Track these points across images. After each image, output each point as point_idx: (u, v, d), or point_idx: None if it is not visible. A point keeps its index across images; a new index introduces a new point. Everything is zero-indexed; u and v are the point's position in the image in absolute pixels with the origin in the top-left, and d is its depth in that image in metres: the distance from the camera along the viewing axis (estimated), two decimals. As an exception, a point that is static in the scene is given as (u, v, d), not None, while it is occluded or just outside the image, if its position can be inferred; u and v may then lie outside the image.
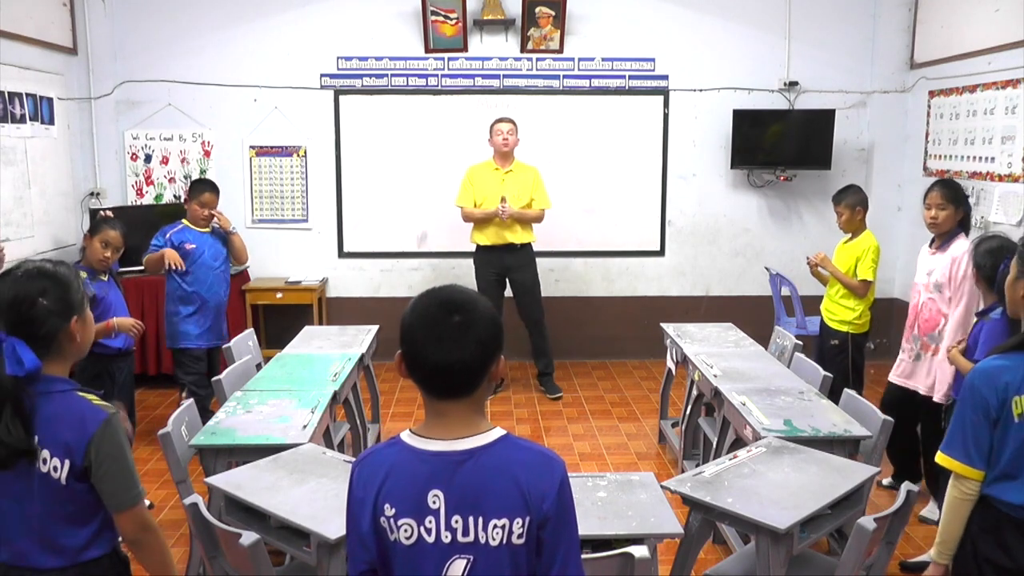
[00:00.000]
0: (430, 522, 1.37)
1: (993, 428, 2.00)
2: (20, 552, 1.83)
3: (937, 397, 3.59)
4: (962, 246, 3.62)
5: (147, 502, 3.90)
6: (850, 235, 4.38)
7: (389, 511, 1.38)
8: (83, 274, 3.73)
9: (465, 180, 5.52)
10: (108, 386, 3.84)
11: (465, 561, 1.37)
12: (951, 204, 3.71)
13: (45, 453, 1.80)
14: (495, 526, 1.36)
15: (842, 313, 4.32)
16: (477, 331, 1.38)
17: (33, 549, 1.83)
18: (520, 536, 1.36)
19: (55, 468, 1.80)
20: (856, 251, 4.29)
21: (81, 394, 1.85)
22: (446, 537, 1.37)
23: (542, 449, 1.45)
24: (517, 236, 5.46)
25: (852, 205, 4.32)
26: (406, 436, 1.44)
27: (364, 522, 1.41)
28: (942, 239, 3.78)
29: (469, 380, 1.40)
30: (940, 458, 2.08)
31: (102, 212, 4.04)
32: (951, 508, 2.08)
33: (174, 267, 4.41)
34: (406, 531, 1.38)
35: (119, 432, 1.84)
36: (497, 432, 1.43)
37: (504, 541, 1.36)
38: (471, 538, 1.37)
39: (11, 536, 1.84)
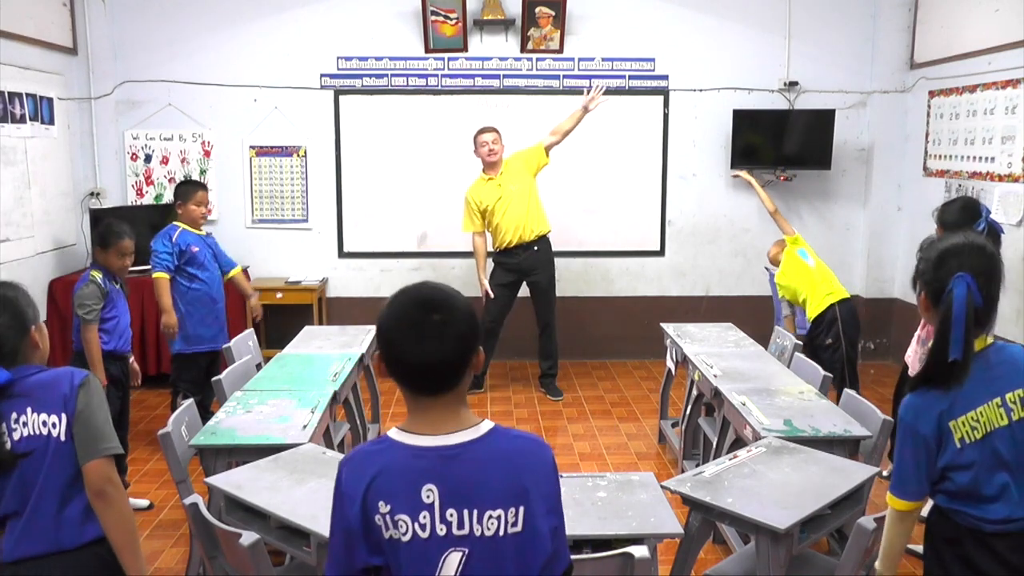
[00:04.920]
0: (424, 517, 1.38)
1: (935, 457, 1.91)
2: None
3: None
4: None
5: (146, 502, 3.95)
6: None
7: (384, 508, 1.38)
8: (97, 274, 3.81)
9: (467, 205, 5.49)
10: (108, 389, 3.84)
11: (460, 554, 1.38)
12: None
13: (43, 416, 1.90)
14: (490, 517, 1.37)
15: (820, 298, 4.46)
16: (457, 327, 1.40)
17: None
18: (515, 524, 1.38)
19: (54, 425, 1.91)
20: None
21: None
22: (441, 530, 1.38)
23: (531, 436, 1.48)
24: (533, 227, 5.44)
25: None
26: (394, 434, 1.44)
27: (354, 520, 1.40)
28: None
29: (453, 376, 1.42)
30: (891, 500, 1.99)
31: (109, 224, 3.99)
32: (895, 534, 2.00)
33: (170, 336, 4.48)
34: (402, 527, 1.38)
35: (100, 389, 2.00)
36: (487, 424, 1.44)
37: (500, 531, 1.38)
38: (466, 531, 1.38)
39: None
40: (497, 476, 1.39)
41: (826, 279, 4.56)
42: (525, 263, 5.49)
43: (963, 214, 3.41)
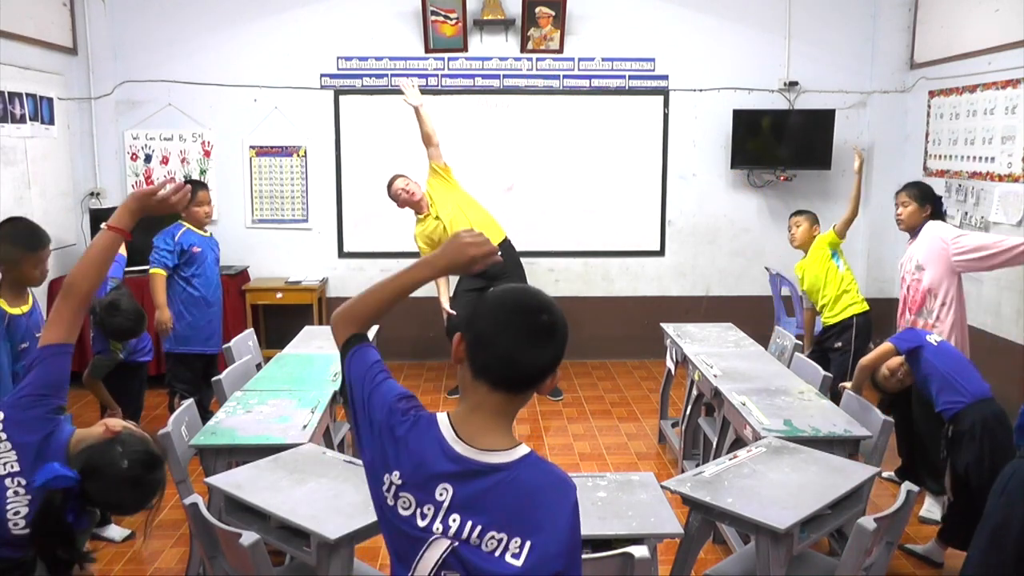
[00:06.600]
0: (428, 509, 1.38)
1: None
2: None
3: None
4: (931, 226, 3.95)
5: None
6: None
7: (397, 479, 1.40)
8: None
9: (422, 248, 5.33)
10: (134, 393, 3.94)
11: (448, 542, 1.36)
12: (915, 202, 4.01)
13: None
14: (492, 537, 1.36)
15: (842, 307, 4.45)
16: (560, 334, 1.42)
17: None
18: (516, 556, 1.35)
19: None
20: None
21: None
22: (437, 529, 1.37)
23: (560, 474, 1.45)
24: (487, 232, 5.32)
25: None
26: (443, 423, 1.43)
27: (383, 421, 1.46)
28: (914, 234, 4.06)
29: (535, 379, 1.42)
30: None
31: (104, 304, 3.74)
32: None
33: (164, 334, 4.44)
34: (404, 503, 1.39)
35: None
36: (522, 450, 1.42)
37: (495, 553, 1.36)
38: (463, 536, 1.37)
39: None
40: (513, 503, 1.37)
41: (850, 289, 4.49)
42: (492, 268, 5.35)
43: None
